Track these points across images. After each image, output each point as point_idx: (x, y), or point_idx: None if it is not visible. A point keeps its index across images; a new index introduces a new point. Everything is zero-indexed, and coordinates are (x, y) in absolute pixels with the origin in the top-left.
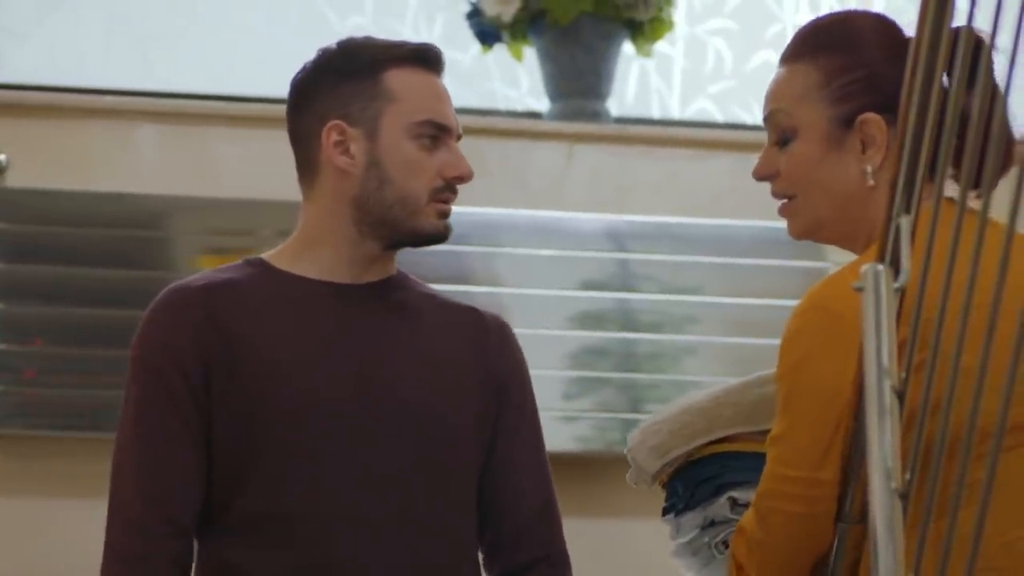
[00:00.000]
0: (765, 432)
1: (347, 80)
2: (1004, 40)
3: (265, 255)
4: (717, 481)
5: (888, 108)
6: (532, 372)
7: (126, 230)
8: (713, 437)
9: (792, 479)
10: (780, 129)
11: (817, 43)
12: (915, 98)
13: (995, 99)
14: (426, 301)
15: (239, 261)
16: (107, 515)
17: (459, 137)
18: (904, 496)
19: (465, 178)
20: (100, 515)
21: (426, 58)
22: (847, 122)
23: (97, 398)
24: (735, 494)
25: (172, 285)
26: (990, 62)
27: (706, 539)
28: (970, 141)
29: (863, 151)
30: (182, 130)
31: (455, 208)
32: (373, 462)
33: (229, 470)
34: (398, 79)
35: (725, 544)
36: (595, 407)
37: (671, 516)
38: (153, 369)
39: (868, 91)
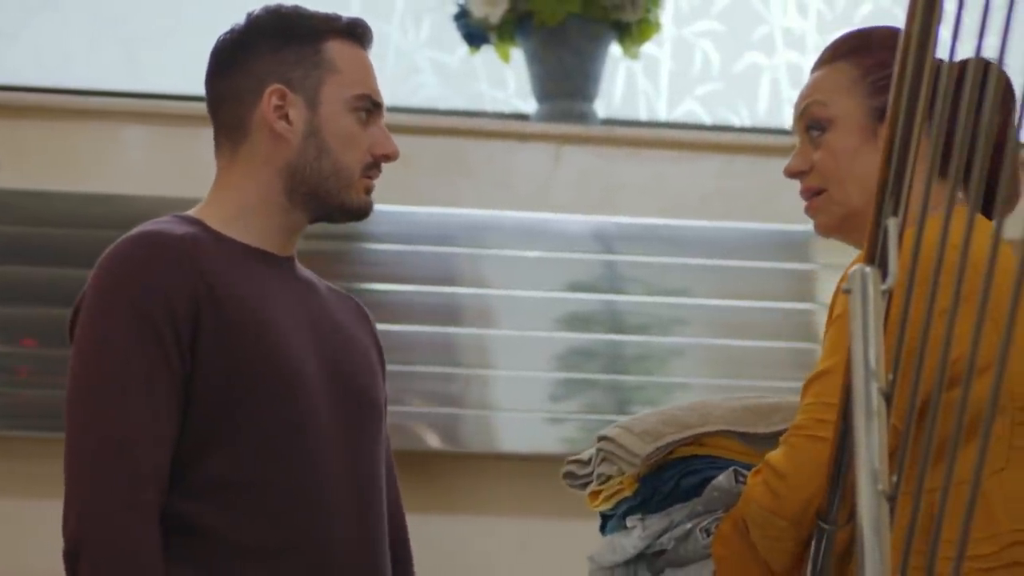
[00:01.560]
0: (750, 436)
1: (288, 45)
2: (992, 40)
3: (195, 214)
4: (704, 474)
5: None
6: (519, 373)
7: (114, 231)
8: (706, 429)
9: (837, 406)
10: (814, 119)
11: (852, 47)
12: (903, 99)
13: (1009, 123)
14: (318, 281)
15: (169, 216)
16: (76, 468)
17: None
18: (891, 498)
19: (392, 157)
20: None
21: (360, 33)
22: (883, 113)
23: None
24: (741, 468)
25: (146, 231)
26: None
27: (689, 525)
28: (978, 162)
29: None
30: (169, 131)
31: (442, 209)
32: (333, 435)
33: (203, 428)
34: (338, 50)
35: (708, 532)
36: (582, 409)
37: (637, 517)
38: (144, 315)
39: None
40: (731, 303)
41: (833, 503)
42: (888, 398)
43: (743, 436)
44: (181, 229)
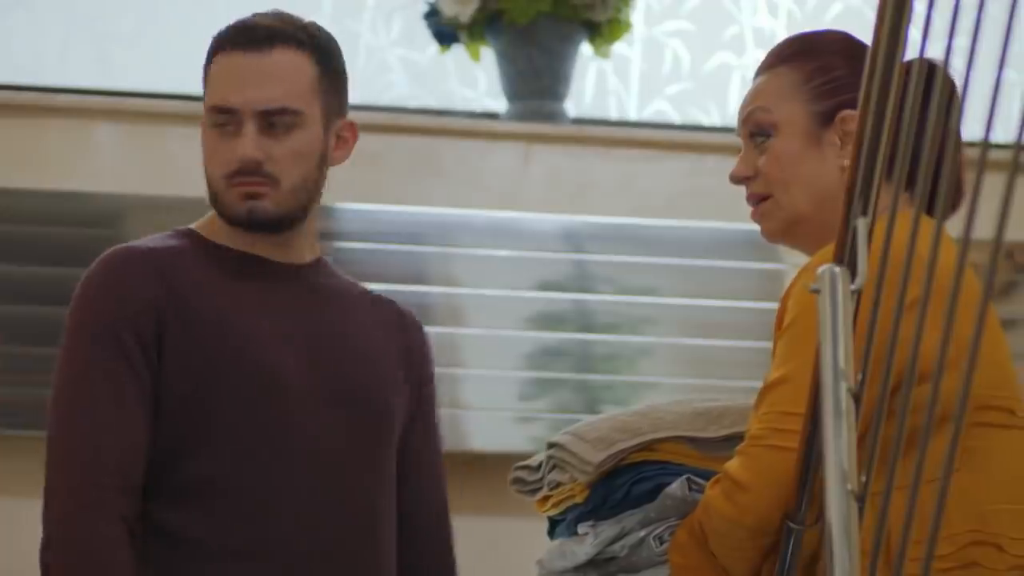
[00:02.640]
0: (701, 441)
1: (204, 72)
2: (962, 41)
3: (194, 225)
4: (656, 480)
5: None
6: (488, 372)
7: (84, 229)
8: (657, 435)
9: (795, 416)
10: (758, 125)
11: (794, 51)
12: (873, 99)
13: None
14: (351, 290)
15: (167, 232)
16: (49, 473)
17: (278, 112)
18: (860, 498)
19: (244, 161)
20: None
21: (237, 35)
22: (827, 118)
23: None
24: (694, 476)
25: (115, 248)
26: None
27: (642, 533)
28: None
29: (841, 147)
30: (140, 129)
31: (412, 208)
32: (318, 440)
33: (175, 434)
34: (215, 65)
35: (661, 540)
36: (551, 408)
37: (588, 524)
38: (106, 328)
39: (846, 90)
40: (700, 302)
41: (801, 503)
42: (857, 398)
43: (694, 441)
44: (155, 243)
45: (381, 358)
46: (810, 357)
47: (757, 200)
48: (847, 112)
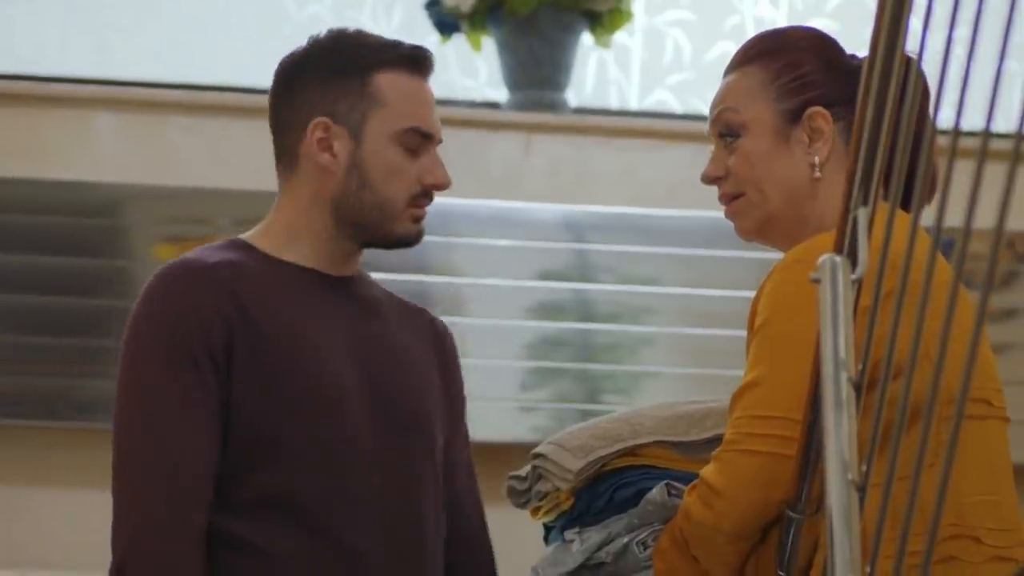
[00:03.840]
0: (683, 445)
1: (336, 77)
2: (963, 31)
3: (246, 238)
4: (638, 486)
5: (832, 104)
6: (489, 362)
7: (83, 219)
8: (638, 441)
9: (768, 419)
10: (728, 125)
11: (761, 50)
12: (873, 87)
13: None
14: (387, 299)
15: (221, 242)
16: (122, 495)
17: (439, 141)
18: (861, 488)
19: (442, 187)
20: (55, 502)
21: (416, 62)
22: (794, 115)
23: (53, 386)
24: (673, 481)
25: (181, 260)
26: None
27: (626, 539)
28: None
29: (810, 144)
30: (140, 119)
31: None
32: (373, 453)
33: (244, 447)
34: (387, 83)
35: (645, 545)
36: (552, 397)
37: (575, 531)
38: (179, 346)
39: (813, 86)
40: (701, 292)
41: (802, 493)
42: (858, 388)
43: (676, 445)
44: (217, 256)
45: (424, 368)
46: (782, 359)
47: (729, 199)
48: (814, 108)
